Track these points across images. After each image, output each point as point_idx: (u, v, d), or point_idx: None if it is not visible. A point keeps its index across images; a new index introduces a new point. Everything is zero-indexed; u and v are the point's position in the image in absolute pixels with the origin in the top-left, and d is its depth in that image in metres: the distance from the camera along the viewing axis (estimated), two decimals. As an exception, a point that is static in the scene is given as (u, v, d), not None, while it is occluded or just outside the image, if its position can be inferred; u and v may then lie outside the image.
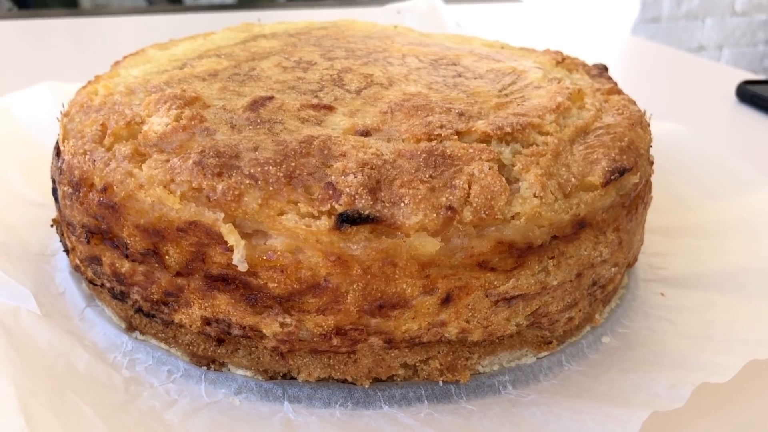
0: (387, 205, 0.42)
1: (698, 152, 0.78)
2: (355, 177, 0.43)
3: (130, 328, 0.51)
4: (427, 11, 1.07)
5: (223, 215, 0.43)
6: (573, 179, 0.47)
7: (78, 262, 0.52)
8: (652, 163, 0.57)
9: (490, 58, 0.63)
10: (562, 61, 0.65)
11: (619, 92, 0.61)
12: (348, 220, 0.41)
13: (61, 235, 0.55)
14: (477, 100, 0.52)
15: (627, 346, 0.52)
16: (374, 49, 0.63)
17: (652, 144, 0.58)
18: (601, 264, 0.50)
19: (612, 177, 0.47)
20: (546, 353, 0.50)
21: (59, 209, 0.53)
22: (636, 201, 0.52)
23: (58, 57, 1.28)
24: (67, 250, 0.54)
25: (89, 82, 0.60)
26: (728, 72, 1.27)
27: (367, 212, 0.42)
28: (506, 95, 0.55)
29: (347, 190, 0.42)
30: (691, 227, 0.67)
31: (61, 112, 0.56)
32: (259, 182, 0.43)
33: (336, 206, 0.42)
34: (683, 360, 0.48)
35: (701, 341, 0.51)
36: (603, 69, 0.67)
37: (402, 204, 0.42)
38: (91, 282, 0.52)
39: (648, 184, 0.56)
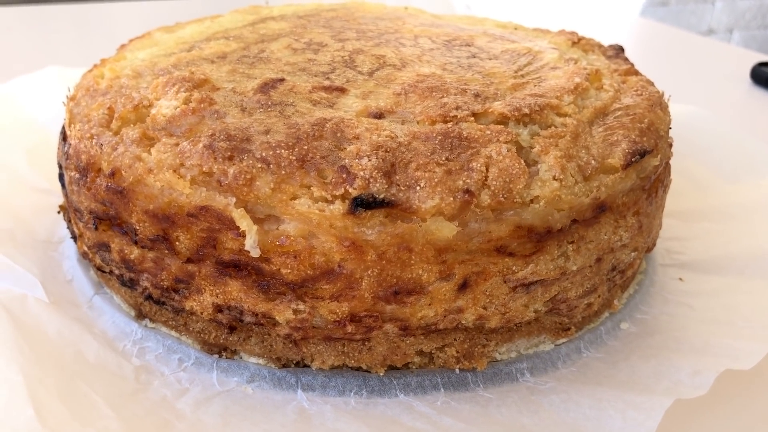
0: (402, 188, 0.41)
1: (716, 134, 0.77)
2: (369, 160, 0.41)
3: (140, 315, 0.50)
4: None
5: (234, 200, 0.42)
6: (593, 161, 0.45)
7: (86, 248, 0.51)
8: (671, 145, 0.56)
9: (504, 39, 0.62)
10: (578, 41, 0.63)
11: (637, 73, 0.59)
12: (362, 204, 0.40)
13: (69, 221, 0.54)
14: (493, 81, 0.51)
15: (647, 333, 0.50)
16: (386, 30, 0.62)
17: (671, 127, 0.56)
18: (621, 248, 0.49)
19: (633, 159, 0.46)
20: (564, 340, 0.49)
21: (66, 195, 0.52)
22: (656, 184, 0.51)
23: (63, 43, 1.26)
24: (74, 237, 0.53)
25: (95, 66, 0.59)
26: (742, 54, 1.25)
27: (381, 196, 0.41)
28: (522, 76, 0.53)
29: (361, 173, 0.41)
30: (708, 211, 0.65)
31: (66, 96, 0.55)
32: (271, 166, 0.42)
33: (350, 190, 0.41)
34: (705, 346, 0.47)
35: (722, 326, 0.50)
36: (619, 50, 0.66)
37: (418, 187, 0.41)
38: (99, 269, 0.51)
39: (667, 167, 0.54)
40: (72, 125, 0.50)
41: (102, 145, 0.47)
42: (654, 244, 0.56)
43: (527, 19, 0.71)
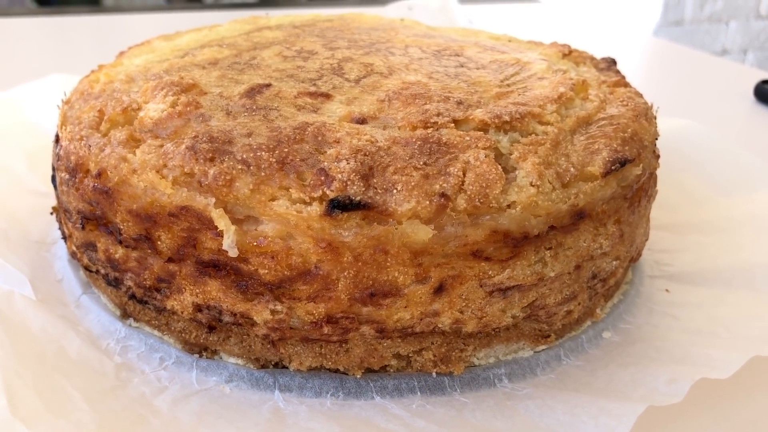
0: (379, 191, 0.42)
1: (711, 148, 0.76)
2: (348, 163, 0.42)
3: (125, 315, 0.51)
4: (439, 8, 1.06)
5: (214, 200, 0.42)
6: (572, 169, 0.46)
7: (74, 248, 0.52)
8: (658, 156, 0.56)
9: (494, 50, 0.62)
10: (568, 53, 0.64)
11: (626, 85, 0.59)
12: (339, 206, 0.41)
13: (60, 222, 0.55)
14: (477, 90, 0.52)
15: (628, 342, 0.50)
16: (377, 40, 0.62)
17: (658, 137, 0.57)
18: (602, 256, 0.49)
19: (612, 167, 0.46)
20: (544, 347, 0.49)
21: (57, 196, 0.53)
22: (639, 193, 0.51)
23: (79, 53, 1.29)
24: (65, 237, 0.54)
25: (92, 71, 0.60)
26: (747, 71, 1.25)
27: (358, 198, 0.41)
28: (508, 85, 0.54)
29: (339, 176, 0.42)
30: (700, 224, 0.65)
31: (62, 100, 0.56)
32: (251, 167, 0.42)
33: (327, 192, 0.41)
34: (685, 355, 0.47)
35: (705, 337, 0.50)
36: (611, 62, 0.66)
37: (394, 191, 0.42)
38: (86, 269, 0.51)
39: (653, 178, 0.54)
40: (63, 127, 0.51)
41: (90, 146, 0.48)
42: (639, 254, 0.56)
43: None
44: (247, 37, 0.63)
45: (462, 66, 0.57)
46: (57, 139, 0.53)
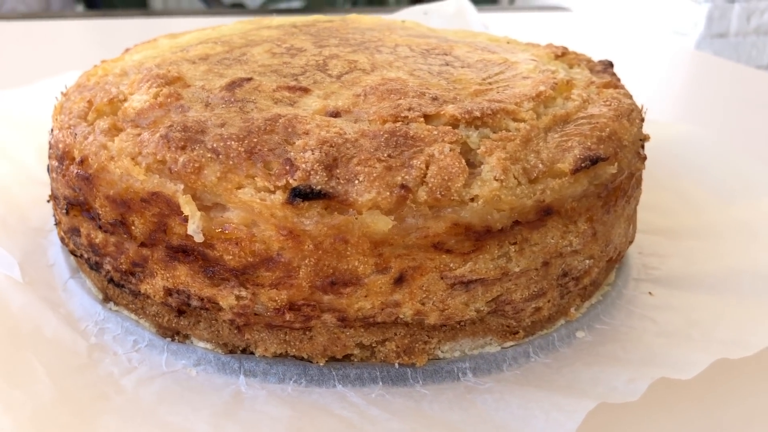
0: (342, 182, 0.43)
1: (715, 154, 0.75)
2: (313, 153, 0.43)
3: (106, 299, 0.52)
4: (454, 13, 1.06)
5: (182, 186, 0.44)
6: (540, 165, 0.46)
7: (63, 234, 0.54)
8: (644, 158, 0.55)
9: (485, 50, 0.63)
10: (561, 55, 0.64)
11: (616, 86, 0.59)
12: (300, 194, 0.42)
13: (54, 209, 0.57)
14: (456, 87, 0.52)
15: (600, 342, 0.50)
16: (369, 39, 0.63)
17: (646, 139, 0.56)
18: (572, 254, 0.49)
19: (583, 165, 0.46)
20: (512, 343, 0.49)
21: (51, 184, 0.56)
22: (616, 193, 0.50)
23: (101, 54, 1.32)
24: (57, 224, 0.57)
25: (94, 66, 0.62)
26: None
27: (319, 188, 0.42)
28: (490, 84, 0.54)
29: (303, 165, 0.43)
30: (694, 229, 0.64)
31: (61, 92, 0.58)
32: (220, 156, 0.44)
33: (291, 181, 0.42)
34: (652, 356, 0.47)
35: (678, 339, 0.49)
36: (608, 65, 0.66)
37: (356, 181, 0.42)
38: (73, 253, 0.53)
39: (635, 179, 0.54)
40: (56, 117, 0.53)
41: (76, 134, 0.50)
42: (620, 255, 0.55)
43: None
44: (243, 35, 0.65)
45: (447, 65, 0.58)
46: (52, 129, 0.55)
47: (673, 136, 0.78)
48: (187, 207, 0.43)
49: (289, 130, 0.45)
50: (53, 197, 0.55)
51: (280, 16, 0.77)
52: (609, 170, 0.49)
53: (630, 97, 0.58)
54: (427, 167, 0.43)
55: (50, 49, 1.32)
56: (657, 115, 0.84)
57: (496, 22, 1.23)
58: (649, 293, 0.56)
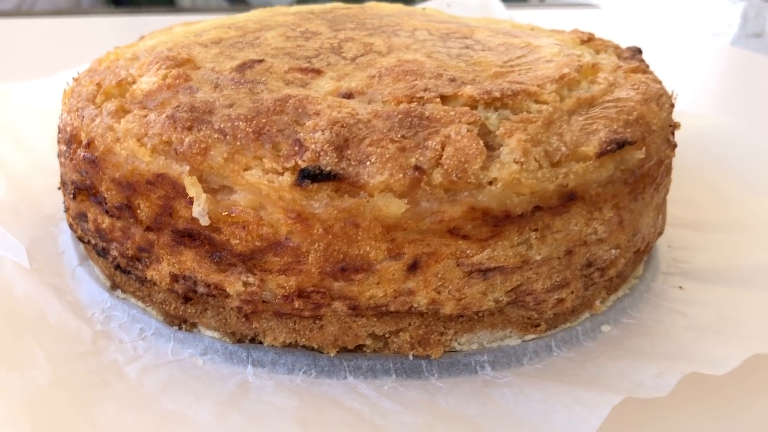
0: (353, 163, 0.41)
1: (746, 147, 0.72)
2: (323, 134, 0.41)
3: (114, 286, 0.51)
4: (478, 5, 1.04)
5: (188, 168, 0.42)
6: (563, 148, 0.43)
7: (71, 220, 0.53)
8: (674, 146, 0.53)
9: (507, 35, 0.60)
10: (587, 40, 0.61)
11: (645, 71, 0.57)
12: (309, 176, 0.40)
13: (63, 195, 0.56)
14: (475, 69, 0.50)
15: (626, 336, 0.48)
16: (387, 24, 0.61)
17: (676, 127, 0.54)
18: (597, 243, 0.46)
19: (608, 148, 0.44)
20: (533, 336, 0.47)
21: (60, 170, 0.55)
22: (643, 179, 0.48)
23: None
24: (66, 211, 0.55)
25: (108, 52, 0.61)
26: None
27: (329, 169, 0.40)
28: (511, 66, 0.52)
29: (313, 146, 0.41)
30: (725, 222, 0.62)
31: (73, 78, 0.57)
32: (228, 137, 0.42)
33: (299, 162, 0.41)
34: (682, 351, 0.44)
35: (709, 334, 0.46)
36: (636, 51, 0.63)
37: (368, 163, 0.41)
38: (80, 240, 0.52)
39: (664, 167, 0.51)
40: (65, 100, 0.52)
41: (84, 117, 0.48)
42: (648, 247, 0.53)
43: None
44: (258, 21, 0.63)
45: (467, 48, 0.55)
46: (61, 113, 0.54)
47: (703, 129, 0.75)
48: (193, 189, 0.41)
49: (300, 110, 0.43)
50: (62, 183, 0.54)
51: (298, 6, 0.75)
52: (636, 155, 0.46)
53: (659, 82, 0.55)
54: (442, 148, 0.41)
55: (78, 44, 1.33)
56: (687, 109, 0.81)
57: (522, 18, 1.21)
58: (680, 287, 0.53)
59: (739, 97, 1.08)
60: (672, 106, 0.53)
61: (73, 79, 0.56)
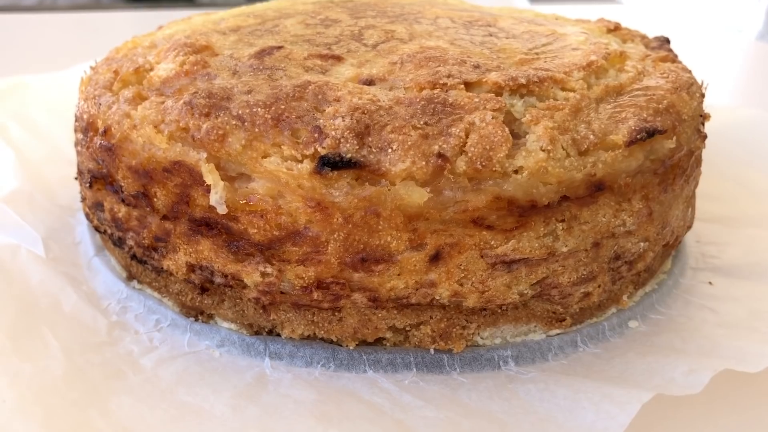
0: (374, 150, 0.40)
1: (779, 140, 0.70)
2: (344, 120, 0.40)
3: (130, 276, 0.50)
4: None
5: (205, 155, 0.41)
6: (592, 136, 0.42)
7: (87, 210, 0.52)
8: (704, 137, 0.51)
9: (532, 23, 0.59)
10: (614, 29, 0.60)
11: (674, 60, 0.55)
12: (329, 163, 0.39)
13: (80, 185, 0.56)
14: (500, 56, 0.49)
15: (655, 332, 0.46)
16: (409, 12, 0.60)
17: (707, 118, 0.52)
18: (626, 235, 0.45)
19: (638, 136, 0.42)
20: (558, 331, 0.45)
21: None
22: (674, 170, 0.46)
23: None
24: (83, 200, 0.55)
25: (125, 41, 0.60)
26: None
27: (349, 156, 0.39)
28: (537, 54, 0.50)
29: (333, 133, 0.40)
30: (754, 217, 0.60)
31: (90, 66, 0.56)
32: (246, 123, 0.41)
33: (319, 149, 0.39)
34: (714, 348, 0.43)
35: (741, 331, 0.45)
36: (664, 41, 0.61)
37: (390, 150, 0.39)
38: (96, 229, 0.51)
39: (695, 158, 0.50)
40: (82, 88, 0.52)
41: (101, 104, 0.47)
42: (677, 240, 0.51)
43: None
44: (278, 9, 0.62)
45: (491, 35, 0.54)
46: (78, 101, 0.53)
47: (733, 121, 0.73)
48: (210, 176, 0.40)
49: (319, 97, 0.42)
50: (78, 172, 0.53)
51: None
52: (667, 145, 0.45)
53: (689, 71, 0.53)
54: (467, 136, 0.40)
55: (98, 39, 1.33)
56: (714, 102, 0.79)
57: (544, 12, 1.19)
58: (709, 283, 0.52)
59: (764, 93, 1.06)
60: (702, 95, 0.52)
61: (91, 67, 0.56)
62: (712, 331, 0.45)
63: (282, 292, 0.42)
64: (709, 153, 0.56)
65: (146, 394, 0.39)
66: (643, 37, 0.61)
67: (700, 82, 0.53)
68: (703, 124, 0.52)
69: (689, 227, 0.53)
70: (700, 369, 0.39)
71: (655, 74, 0.50)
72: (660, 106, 0.45)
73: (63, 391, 0.37)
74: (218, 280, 0.43)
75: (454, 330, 0.43)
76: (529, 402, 0.39)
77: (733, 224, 0.60)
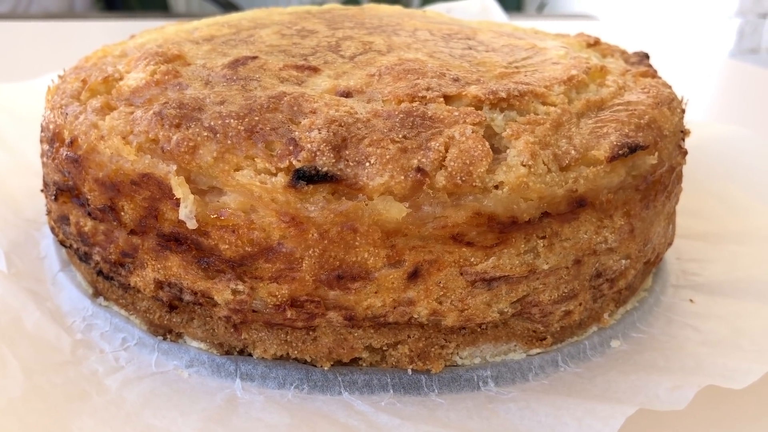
0: (351, 164, 0.38)
1: (759, 156, 0.70)
2: (320, 133, 0.39)
3: (96, 293, 0.48)
4: (478, 12, 1.02)
5: (175, 167, 0.40)
6: (573, 151, 0.41)
7: (52, 223, 0.50)
8: (684, 153, 0.50)
9: (512, 36, 0.58)
10: (594, 44, 0.59)
11: (654, 75, 0.54)
12: (304, 177, 0.38)
13: (45, 198, 0.54)
14: (480, 69, 0.48)
15: (637, 351, 0.45)
16: (387, 23, 0.59)
17: (687, 133, 0.51)
18: (607, 253, 0.44)
19: (620, 152, 0.42)
20: (539, 350, 0.44)
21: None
22: (655, 187, 0.46)
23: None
24: (48, 213, 0.53)
25: (95, 50, 0.59)
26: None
27: (325, 170, 0.38)
28: (516, 67, 0.50)
29: (308, 146, 0.38)
30: (736, 233, 0.59)
31: (58, 75, 0.55)
32: (218, 135, 0.40)
33: (294, 162, 0.38)
34: (698, 365, 0.42)
35: (726, 349, 0.44)
36: (643, 56, 0.61)
37: (367, 163, 0.38)
38: (62, 244, 0.50)
39: (675, 174, 0.49)
40: (49, 97, 0.50)
41: (67, 114, 0.46)
42: (658, 258, 0.50)
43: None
44: (253, 19, 0.61)
45: (470, 48, 0.53)
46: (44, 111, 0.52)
47: (711, 136, 0.73)
48: (180, 189, 0.39)
49: (295, 108, 0.41)
50: (44, 184, 0.51)
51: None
52: (648, 160, 0.44)
53: (669, 87, 0.53)
54: (446, 150, 0.39)
55: (71, 48, 1.30)
56: (692, 118, 0.79)
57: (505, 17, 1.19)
58: (690, 300, 0.51)
59: (740, 109, 1.06)
60: (683, 111, 0.51)
61: (59, 76, 0.54)
62: (696, 350, 0.44)
63: (254, 311, 0.41)
64: (689, 169, 0.56)
65: (110, 416, 0.37)
66: (623, 52, 0.61)
67: (680, 98, 0.53)
68: (683, 140, 0.51)
69: (670, 244, 0.53)
70: (685, 386, 0.38)
71: (635, 89, 0.49)
72: (641, 121, 0.45)
73: (21, 413, 0.35)
74: (187, 297, 0.42)
75: (433, 350, 0.42)
76: (509, 420, 0.38)
77: (713, 241, 0.59)
